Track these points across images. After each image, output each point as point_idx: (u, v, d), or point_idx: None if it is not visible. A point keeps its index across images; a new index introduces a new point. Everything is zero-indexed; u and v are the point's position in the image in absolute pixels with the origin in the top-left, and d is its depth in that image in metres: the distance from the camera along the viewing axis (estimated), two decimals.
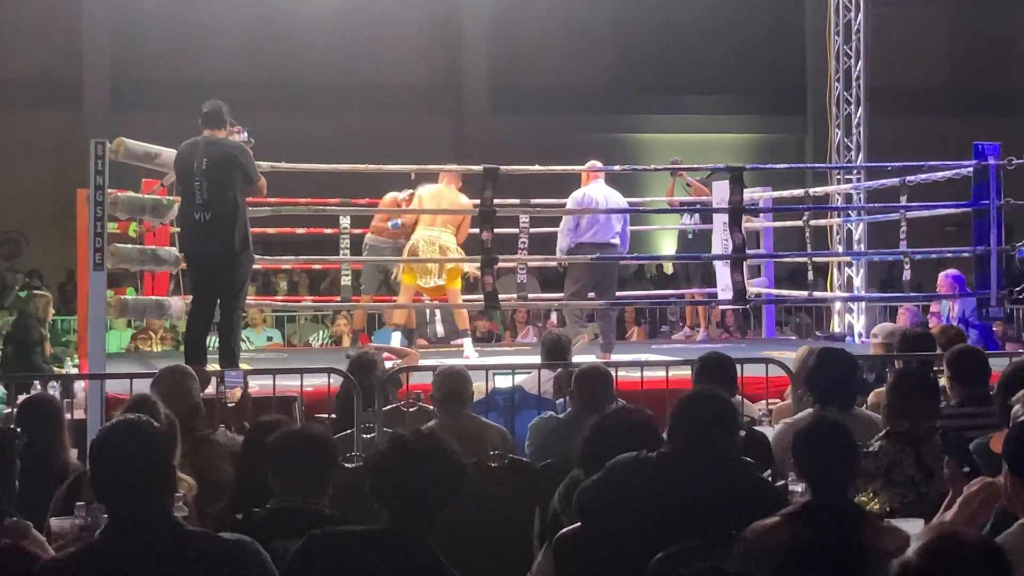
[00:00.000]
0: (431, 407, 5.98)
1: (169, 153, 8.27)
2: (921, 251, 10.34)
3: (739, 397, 5.94)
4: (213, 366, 7.33)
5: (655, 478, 3.78)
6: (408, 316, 10.19)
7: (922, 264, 10.82)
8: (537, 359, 7.20)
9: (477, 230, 9.21)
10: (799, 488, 4.05)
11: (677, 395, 4.22)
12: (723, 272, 10.81)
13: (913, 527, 3.61)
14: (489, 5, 17.77)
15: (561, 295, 9.91)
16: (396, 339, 9.77)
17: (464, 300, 10.11)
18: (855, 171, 12.50)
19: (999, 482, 3.47)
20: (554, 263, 10.58)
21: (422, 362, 7.94)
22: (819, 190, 12.10)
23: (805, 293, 11.51)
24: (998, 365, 5.76)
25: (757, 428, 5.78)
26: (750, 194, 11.25)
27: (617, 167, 10.42)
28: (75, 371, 9.74)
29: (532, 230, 10.08)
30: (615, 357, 8.81)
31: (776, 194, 12.10)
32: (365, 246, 10.41)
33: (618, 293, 10.40)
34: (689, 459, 3.83)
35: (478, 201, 9.11)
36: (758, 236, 12.19)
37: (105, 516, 3.13)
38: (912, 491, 4.50)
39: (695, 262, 11.73)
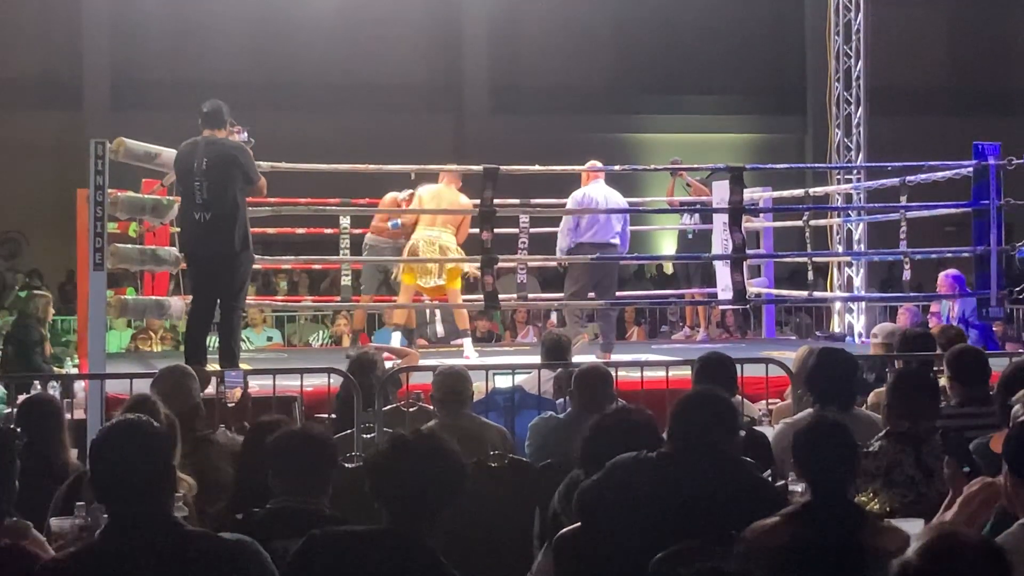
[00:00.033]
0: (431, 407, 5.98)
1: (169, 153, 8.27)
2: (921, 251, 10.34)
3: (739, 397, 5.94)
4: (213, 366, 7.32)
5: (655, 478, 3.78)
6: (408, 316, 10.19)
7: (922, 264, 10.82)
8: (537, 359, 7.20)
9: (477, 230, 9.21)
10: (799, 488, 4.05)
11: (677, 395, 4.22)
12: (723, 272, 10.81)
13: (913, 527, 3.61)
14: (489, 5, 17.77)
15: (561, 295, 9.91)
16: (396, 339, 9.77)
17: (464, 300, 10.11)
18: (855, 171, 12.50)
19: (999, 482, 3.47)
20: (554, 263, 10.58)
21: (422, 362, 7.94)
22: (819, 190, 12.10)
23: (805, 293, 11.51)
24: (998, 365, 5.76)
25: (757, 428, 5.78)
26: (750, 194, 11.25)
27: (617, 167, 10.42)
28: (75, 371, 9.74)
29: (532, 230, 10.08)
30: (615, 357, 8.81)
31: (776, 194, 12.10)
32: (365, 246, 10.41)
33: (618, 293, 10.40)
34: (689, 459, 3.83)
35: (478, 201, 9.11)
36: (758, 236, 12.19)
37: (105, 516, 3.13)
38: (912, 491, 4.50)
39: (695, 262, 11.73)
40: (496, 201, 9.00)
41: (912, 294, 10.16)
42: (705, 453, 3.83)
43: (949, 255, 10.77)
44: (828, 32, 13.07)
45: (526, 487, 4.90)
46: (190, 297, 8.24)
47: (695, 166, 12.19)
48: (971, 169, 9.63)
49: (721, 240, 11.02)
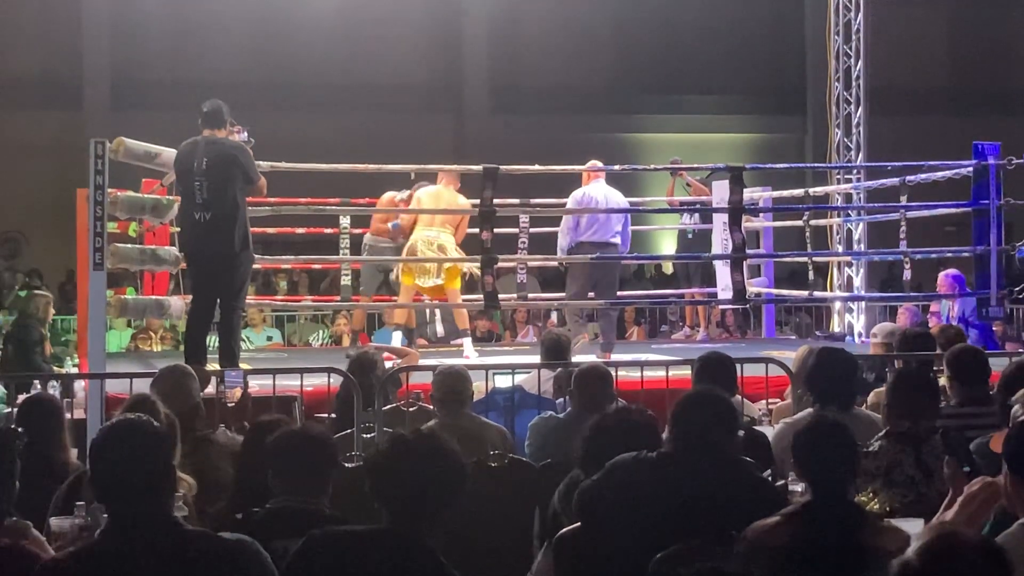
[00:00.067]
0: (431, 407, 5.98)
1: (169, 153, 8.27)
2: (921, 251, 10.34)
3: (739, 397, 5.94)
4: (213, 366, 7.32)
5: (655, 478, 3.78)
6: (408, 316, 10.18)
7: (922, 264, 10.82)
8: (537, 359, 7.20)
9: (477, 230, 9.21)
10: (799, 488, 4.05)
11: (677, 395, 4.22)
12: (723, 272, 10.81)
13: (913, 527, 3.61)
14: (489, 5, 17.77)
15: (561, 295, 9.91)
16: (397, 339, 9.77)
17: (464, 300, 10.11)
18: (855, 171, 12.50)
19: (999, 482, 3.47)
20: (554, 263, 10.57)
21: (422, 362, 7.93)
22: (819, 190, 12.10)
23: (805, 293, 11.51)
24: (998, 365, 5.76)
25: (757, 428, 5.77)
26: (750, 194, 11.24)
27: (617, 167, 10.42)
28: (75, 371, 9.74)
29: (532, 230, 10.07)
30: (615, 357, 8.81)
31: (776, 194, 12.11)
32: (364, 246, 10.41)
33: (618, 293, 10.40)
34: (689, 459, 3.83)
35: (478, 201, 9.11)
36: (758, 236, 12.19)
37: (105, 516, 3.13)
38: (912, 491, 4.50)
39: (695, 262, 11.73)
40: (496, 201, 9.00)
41: (912, 294, 10.16)
42: (705, 453, 3.83)
43: (949, 255, 10.78)
44: (828, 32, 13.06)
45: (526, 487, 4.89)
46: (190, 297, 8.24)
47: (695, 166, 12.18)
48: (971, 169, 9.63)
49: (721, 240, 11.01)
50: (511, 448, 5.58)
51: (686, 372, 6.21)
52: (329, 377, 6.94)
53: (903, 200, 10.04)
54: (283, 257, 10.27)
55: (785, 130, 18.95)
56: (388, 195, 10.44)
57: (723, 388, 4.67)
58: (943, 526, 3.41)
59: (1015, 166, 9.48)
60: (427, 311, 11.01)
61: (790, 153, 18.05)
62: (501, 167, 9.04)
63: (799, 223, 11.45)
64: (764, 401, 6.79)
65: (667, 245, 15.33)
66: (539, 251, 10.53)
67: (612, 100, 18.50)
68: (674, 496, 3.71)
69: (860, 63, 12.84)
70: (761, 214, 11.84)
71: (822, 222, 12.29)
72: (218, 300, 7.69)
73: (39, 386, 6.77)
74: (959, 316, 10.19)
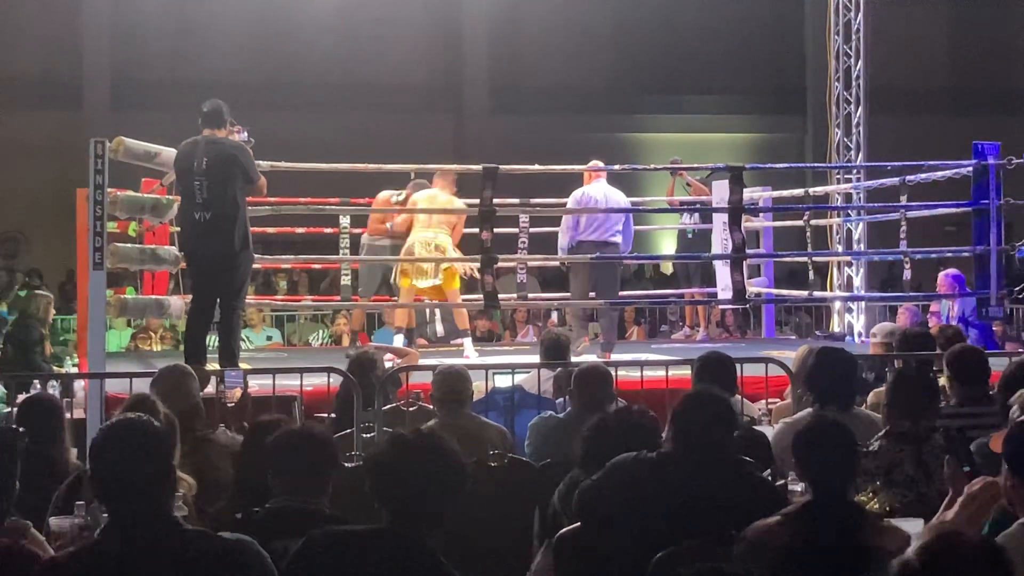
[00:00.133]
0: (431, 407, 5.97)
1: (169, 152, 8.27)
2: (921, 251, 10.34)
3: (739, 397, 5.94)
4: (213, 365, 7.32)
5: (655, 478, 3.78)
6: (408, 318, 10.17)
7: (922, 264, 10.82)
8: (537, 358, 7.20)
9: (477, 230, 9.20)
10: (799, 488, 4.05)
11: (677, 395, 4.22)
12: (723, 272, 10.81)
13: (913, 527, 3.61)
14: (489, 5, 17.77)
15: (560, 295, 9.91)
16: (399, 340, 9.76)
17: (464, 300, 10.10)
18: (855, 171, 12.51)
19: (999, 482, 3.47)
20: (554, 263, 10.57)
21: (422, 362, 7.93)
22: (819, 190, 12.10)
23: (805, 293, 11.51)
24: (998, 365, 5.77)
25: (757, 428, 5.77)
26: (750, 194, 11.24)
27: (617, 167, 10.42)
28: (75, 370, 9.74)
29: (532, 230, 10.06)
30: (615, 357, 8.81)
31: (776, 194, 12.10)
32: (362, 246, 10.38)
33: (619, 293, 10.40)
34: (689, 459, 3.83)
35: (475, 201, 9.10)
36: (758, 236, 12.19)
37: (105, 515, 3.13)
38: (912, 491, 4.50)
39: (695, 262, 11.73)
40: (496, 201, 9.00)
41: (912, 294, 10.16)
42: (705, 453, 3.83)
43: (949, 255, 10.77)
44: (828, 32, 13.07)
45: (526, 487, 4.89)
46: (190, 296, 8.24)
47: (695, 166, 12.19)
48: (971, 169, 9.63)
49: (721, 240, 11.01)
50: (511, 448, 5.58)
51: (686, 372, 6.21)
52: (329, 377, 6.94)
53: (903, 200, 10.03)
54: (283, 257, 10.27)
55: (785, 130, 18.95)
56: (384, 194, 10.37)
57: (723, 388, 4.68)
58: (943, 526, 3.41)
59: (1015, 166, 9.48)
60: (427, 311, 11.01)
61: (790, 153, 18.05)
62: (501, 167, 9.04)
63: (799, 223, 11.45)
64: (764, 401, 6.78)
65: (667, 245, 15.33)
66: (539, 251, 10.53)
67: (612, 100, 18.50)
68: (674, 496, 3.71)
69: (860, 63, 12.84)
70: (761, 214, 11.84)
71: (822, 222, 12.29)
72: (218, 300, 7.69)
73: (39, 386, 6.77)
74: (959, 316, 10.19)
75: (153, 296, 9.68)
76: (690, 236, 11.93)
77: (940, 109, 18.22)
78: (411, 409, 6.33)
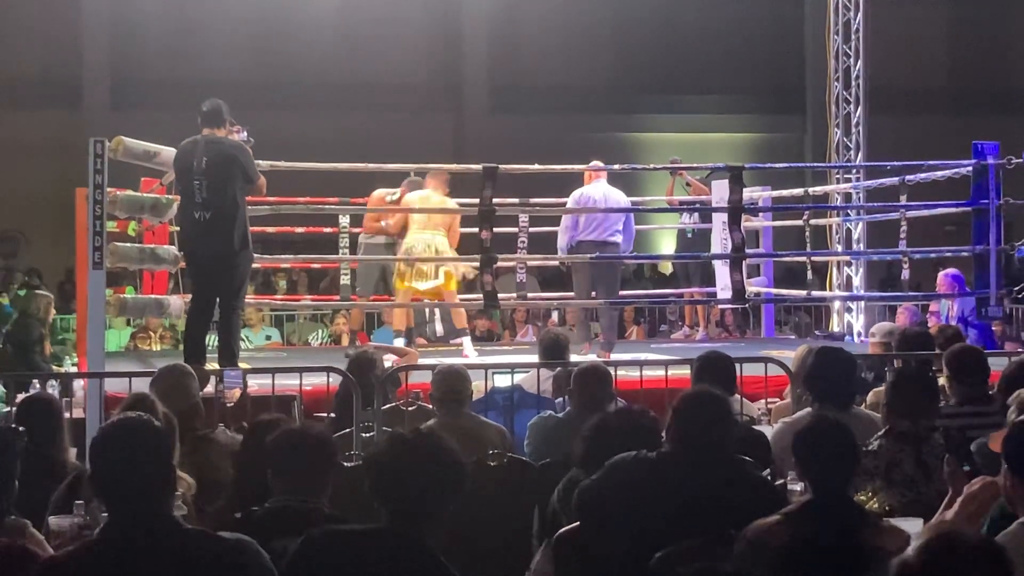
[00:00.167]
0: (430, 406, 5.97)
1: (168, 152, 8.27)
2: (920, 250, 10.34)
3: (738, 396, 5.94)
4: (212, 365, 7.32)
5: (655, 478, 3.78)
6: (407, 319, 10.16)
7: (921, 263, 10.83)
8: (536, 358, 7.20)
9: (476, 229, 9.20)
10: (799, 488, 4.05)
11: (677, 394, 4.21)
12: (722, 271, 10.80)
13: (913, 526, 3.61)
14: (489, 5, 17.77)
15: (560, 294, 9.90)
16: (400, 342, 9.74)
17: (463, 299, 10.10)
18: (854, 170, 12.50)
19: (999, 482, 3.47)
20: (554, 262, 10.57)
21: (421, 361, 7.93)
22: (818, 189, 12.10)
23: (804, 292, 11.51)
24: (998, 365, 5.77)
25: (756, 427, 5.77)
26: (749, 193, 11.24)
27: (617, 167, 10.42)
28: (74, 370, 9.74)
29: (531, 229, 10.06)
30: (615, 356, 8.81)
31: (775, 193, 12.11)
32: (359, 245, 10.36)
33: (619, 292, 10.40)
34: (689, 459, 3.82)
35: (473, 201, 9.10)
36: (757, 235, 12.19)
37: (104, 515, 3.13)
38: (911, 490, 4.50)
39: (694, 261, 11.73)
40: (495, 200, 8.99)
41: (911, 293, 10.17)
42: (705, 453, 3.83)
43: (948, 254, 10.77)
44: (828, 32, 13.06)
45: (525, 486, 4.89)
46: (189, 296, 8.23)
47: (695, 165, 12.18)
48: (970, 168, 9.63)
49: (720, 239, 11.01)
50: (510, 447, 5.58)
51: (685, 371, 6.21)
52: (328, 376, 6.94)
53: (903, 200, 10.04)
54: (282, 256, 10.27)
55: (784, 130, 18.95)
56: (378, 193, 10.29)
57: (722, 388, 4.66)
58: (943, 526, 3.41)
59: (1015, 166, 9.49)
60: (426, 310, 11.00)
61: (790, 153, 18.02)
62: (501, 166, 9.04)
63: (799, 223, 11.44)
64: (763, 400, 6.79)
65: (666, 245, 15.33)
66: (539, 251, 10.53)
67: (612, 100, 18.50)
68: (673, 496, 3.71)
69: (860, 63, 12.84)
70: (760, 213, 11.84)
71: (821, 222, 12.29)
72: (217, 299, 7.69)
73: (38, 385, 6.77)
74: (958, 316, 10.19)
75: (152, 296, 9.68)
76: (690, 236, 11.92)
77: (940, 109, 18.22)
78: (410, 409, 6.33)
